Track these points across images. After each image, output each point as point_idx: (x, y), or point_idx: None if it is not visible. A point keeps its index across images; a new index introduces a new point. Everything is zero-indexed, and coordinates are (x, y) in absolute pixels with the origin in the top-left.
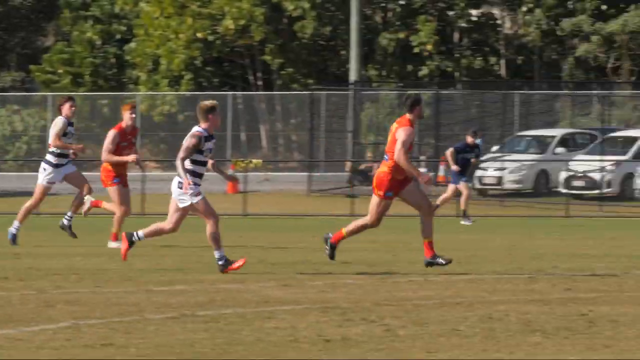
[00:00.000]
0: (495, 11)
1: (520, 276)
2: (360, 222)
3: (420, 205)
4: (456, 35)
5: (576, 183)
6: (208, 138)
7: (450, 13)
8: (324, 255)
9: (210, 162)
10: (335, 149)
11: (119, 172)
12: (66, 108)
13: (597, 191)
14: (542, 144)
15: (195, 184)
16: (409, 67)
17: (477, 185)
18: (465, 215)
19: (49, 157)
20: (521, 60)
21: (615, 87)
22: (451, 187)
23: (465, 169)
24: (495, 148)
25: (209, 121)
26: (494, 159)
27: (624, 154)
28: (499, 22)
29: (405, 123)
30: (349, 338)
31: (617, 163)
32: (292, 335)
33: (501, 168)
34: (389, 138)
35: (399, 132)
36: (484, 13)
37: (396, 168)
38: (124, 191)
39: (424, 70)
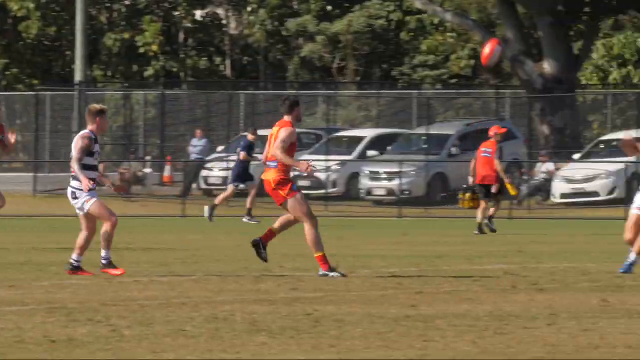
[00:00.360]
0: (220, 11)
1: (246, 276)
2: (308, 236)
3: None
4: (181, 36)
5: (301, 183)
6: (96, 140)
7: (175, 13)
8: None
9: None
10: (61, 149)
11: None
12: None
13: (322, 191)
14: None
15: (89, 188)
16: (135, 67)
17: (203, 185)
18: (249, 214)
19: None
20: (246, 61)
21: (340, 87)
22: (231, 187)
23: (248, 167)
24: (220, 148)
25: (97, 123)
26: (219, 159)
27: (349, 153)
28: (224, 22)
29: (286, 124)
30: (75, 338)
31: (342, 163)
32: (18, 336)
33: (227, 168)
34: (270, 142)
35: (280, 132)
36: (208, 13)
37: (285, 168)
38: None
39: (150, 71)
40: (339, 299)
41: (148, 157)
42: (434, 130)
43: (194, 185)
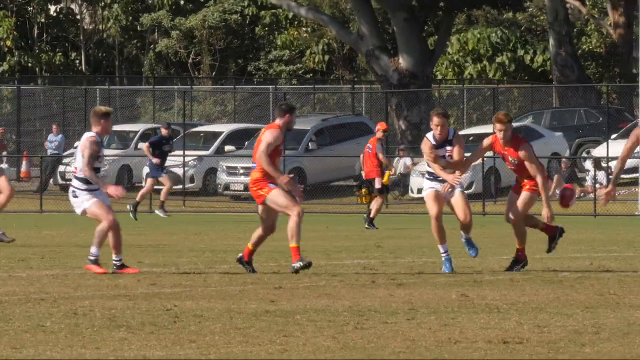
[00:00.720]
0: (74, 7)
1: (105, 271)
2: (290, 223)
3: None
4: (36, 31)
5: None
6: (102, 143)
7: (29, 8)
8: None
9: None
10: None
11: None
12: None
13: (179, 186)
14: (124, 139)
15: (91, 189)
16: None
17: (60, 181)
18: (162, 207)
19: None
20: (102, 56)
21: (196, 82)
22: (150, 181)
23: (164, 161)
24: (77, 143)
25: (102, 126)
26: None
27: (206, 149)
28: (78, 17)
29: (274, 127)
30: None
31: (199, 158)
32: None
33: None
34: (256, 145)
35: (265, 134)
36: (62, 8)
37: (267, 173)
38: None
39: (4, 66)
40: (198, 295)
41: (4, 153)
42: None
43: (51, 181)
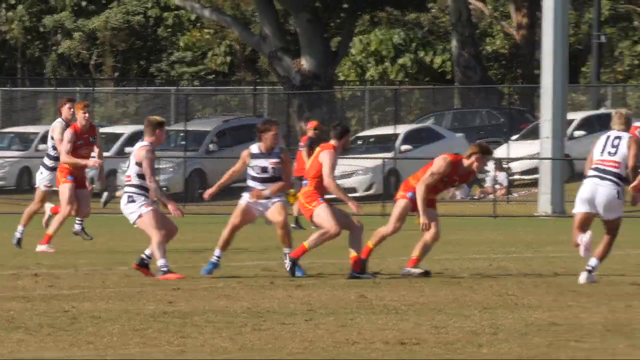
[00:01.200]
0: None
1: (3, 273)
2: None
3: (349, 226)
4: None
5: None
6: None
7: None
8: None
9: None
10: None
11: (75, 172)
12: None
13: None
14: (25, 140)
15: (145, 195)
16: None
17: None
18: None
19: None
20: (4, 57)
21: (98, 83)
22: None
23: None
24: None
25: (156, 135)
26: None
27: (107, 150)
28: None
29: (330, 147)
30: None
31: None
32: None
33: None
34: (307, 161)
35: (323, 156)
36: None
37: (317, 183)
38: (76, 192)
39: None
40: (96, 296)
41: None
42: (192, 127)
43: None
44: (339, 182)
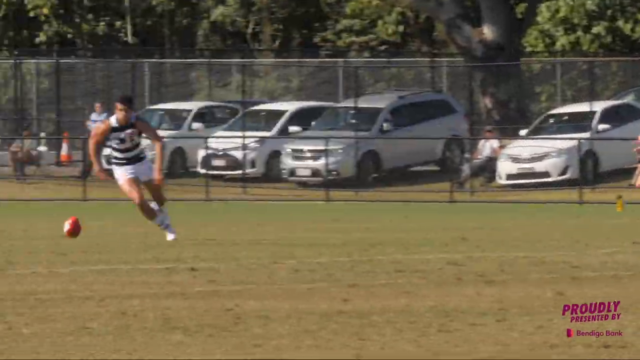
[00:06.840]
0: None
1: (156, 267)
2: None
3: None
4: None
5: (216, 162)
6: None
7: None
8: None
9: None
10: None
11: None
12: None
13: (239, 172)
14: (176, 118)
15: None
16: (25, 33)
17: (105, 166)
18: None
19: None
20: (150, 26)
21: (256, 55)
22: None
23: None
24: None
25: None
26: None
27: (269, 130)
28: None
29: None
30: None
31: (261, 140)
32: None
33: None
34: None
35: None
36: None
37: None
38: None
39: (41, 37)
40: (262, 293)
41: (43, 134)
42: (363, 103)
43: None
44: (528, 165)
